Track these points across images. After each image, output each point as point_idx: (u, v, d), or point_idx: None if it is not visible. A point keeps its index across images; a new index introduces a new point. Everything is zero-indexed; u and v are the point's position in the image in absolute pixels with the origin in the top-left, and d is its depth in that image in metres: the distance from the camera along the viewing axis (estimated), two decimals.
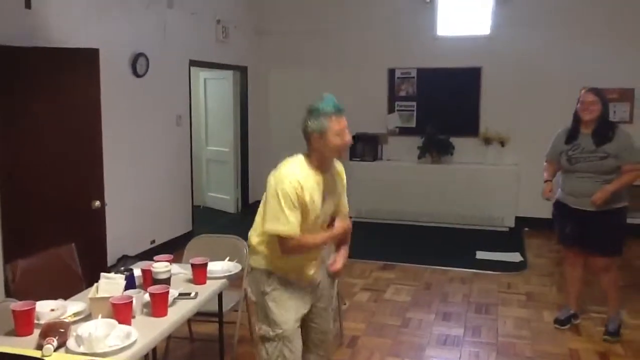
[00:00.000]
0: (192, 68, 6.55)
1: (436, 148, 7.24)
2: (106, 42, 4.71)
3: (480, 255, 6.00)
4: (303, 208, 2.48)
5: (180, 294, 2.70)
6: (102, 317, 2.30)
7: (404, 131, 7.55)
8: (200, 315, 2.98)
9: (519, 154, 7.04)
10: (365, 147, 7.45)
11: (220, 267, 3.10)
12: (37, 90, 3.84)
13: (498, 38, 7.03)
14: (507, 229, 6.98)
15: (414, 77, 7.48)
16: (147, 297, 2.56)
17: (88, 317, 2.43)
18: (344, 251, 2.77)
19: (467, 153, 7.27)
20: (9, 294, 2.92)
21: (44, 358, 2.05)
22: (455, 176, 7.16)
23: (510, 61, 7.00)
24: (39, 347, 2.11)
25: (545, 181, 4.03)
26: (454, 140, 7.23)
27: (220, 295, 3.07)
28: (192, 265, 2.96)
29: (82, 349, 2.12)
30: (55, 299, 2.54)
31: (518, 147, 7.06)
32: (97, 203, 3.97)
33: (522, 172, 6.96)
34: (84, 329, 2.20)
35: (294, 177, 2.47)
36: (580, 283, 4.16)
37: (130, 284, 2.70)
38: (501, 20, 7.02)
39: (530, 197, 6.82)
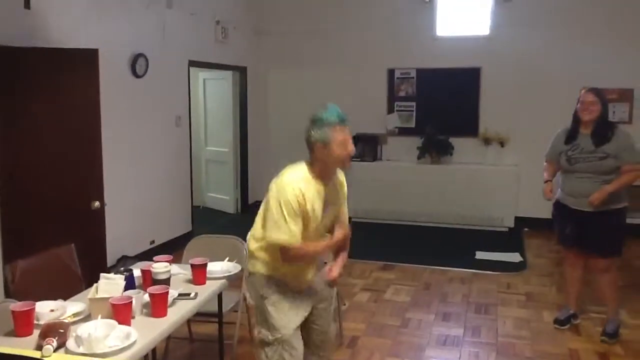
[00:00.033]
0: (191, 68, 6.55)
1: (436, 148, 7.24)
2: (106, 42, 4.71)
3: (480, 255, 6.00)
4: (304, 216, 2.48)
5: (179, 295, 2.70)
6: (102, 317, 2.30)
7: (403, 131, 7.55)
8: (199, 316, 2.98)
9: (519, 154, 7.04)
10: (364, 147, 7.45)
11: (219, 268, 3.10)
12: (36, 90, 3.84)
13: (497, 38, 7.03)
14: (506, 229, 6.98)
15: (413, 78, 7.48)
16: (146, 297, 2.56)
17: (88, 318, 2.43)
18: (341, 259, 2.76)
19: (466, 153, 7.27)
20: (8, 294, 2.92)
21: (44, 358, 2.05)
22: (454, 176, 7.16)
23: (510, 61, 7.00)
24: (39, 347, 2.11)
25: (546, 181, 4.03)
26: (454, 141, 7.24)
27: (219, 296, 3.06)
28: (192, 265, 2.96)
29: (81, 350, 2.12)
30: (55, 299, 2.53)
31: (518, 147, 7.06)
32: (97, 204, 3.96)
33: (522, 173, 6.96)
34: (83, 329, 2.19)
35: (296, 185, 2.46)
36: (580, 283, 4.16)
37: (129, 284, 2.70)
38: (501, 21, 7.03)
39: (530, 198, 6.83)
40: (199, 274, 2.94)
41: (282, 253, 2.50)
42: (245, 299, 2.77)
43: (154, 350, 3.17)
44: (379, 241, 6.60)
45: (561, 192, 3.97)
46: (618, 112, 6.52)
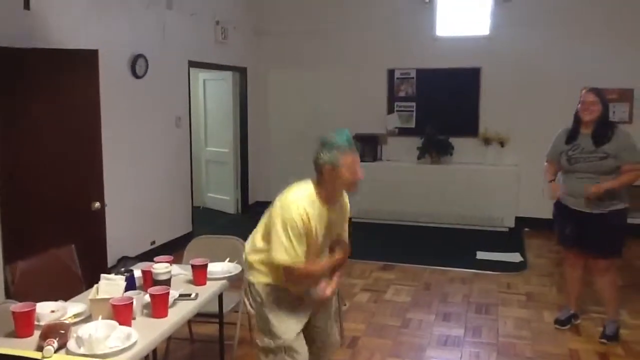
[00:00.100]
0: (191, 69, 6.55)
1: (436, 148, 7.24)
2: (105, 42, 4.71)
3: (481, 255, 6.00)
4: (308, 237, 2.49)
5: (180, 295, 2.70)
6: (103, 318, 2.30)
7: (403, 131, 7.56)
8: (200, 316, 2.98)
9: (519, 154, 7.04)
10: (364, 147, 7.44)
11: (220, 268, 3.10)
12: (36, 91, 3.84)
13: (497, 38, 7.03)
14: (507, 229, 6.98)
15: (413, 78, 7.48)
16: (147, 298, 2.56)
17: (88, 319, 2.43)
18: (336, 278, 2.76)
19: (466, 153, 7.27)
20: (9, 295, 2.92)
21: (44, 359, 2.05)
22: (455, 176, 7.16)
23: (510, 61, 7.00)
24: (39, 348, 2.11)
25: (550, 181, 4.02)
26: (454, 141, 7.24)
27: (220, 296, 3.06)
28: (192, 266, 2.96)
29: (82, 350, 2.12)
30: (56, 300, 2.53)
31: (518, 147, 7.06)
32: (97, 204, 3.96)
33: (522, 173, 6.96)
34: (84, 330, 2.19)
35: (300, 204, 2.47)
36: (581, 284, 4.16)
37: (130, 285, 2.70)
38: (500, 21, 7.03)
39: (530, 198, 6.84)
40: (199, 275, 2.94)
41: (286, 274, 2.52)
42: (245, 306, 2.77)
43: (154, 351, 3.17)
44: (379, 241, 6.60)
45: (562, 192, 3.96)
46: (618, 112, 6.52)
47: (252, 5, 7.86)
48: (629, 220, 3.89)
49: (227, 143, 7.89)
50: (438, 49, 7.27)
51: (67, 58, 3.96)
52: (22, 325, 2.29)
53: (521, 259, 5.89)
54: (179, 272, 3.03)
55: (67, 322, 2.34)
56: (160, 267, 2.80)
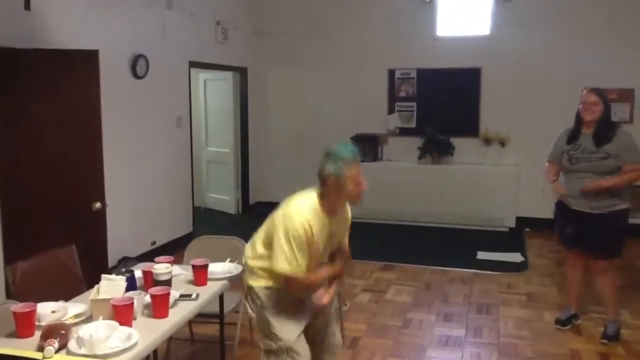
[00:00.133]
0: (191, 69, 6.55)
1: (436, 148, 7.24)
2: (106, 43, 4.71)
3: (481, 255, 6.00)
4: (310, 247, 2.50)
5: (181, 295, 2.70)
6: (103, 318, 2.30)
7: (404, 132, 7.55)
8: (201, 317, 2.97)
9: (519, 154, 7.04)
10: (365, 147, 7.44)
11: (221, 269, 3.10)
12: (37, 91, 3.84)
13: (498, 38, 7.03)
14: (507, 229, 6.98)
15: (413, 78, 7.48)
16: (148, 298, 2.55)
17: (89, 319, 2.43)
18: (334, 287, 2.77)
19: (467, 153, 7.27)
20: (9, 295, 2.92)
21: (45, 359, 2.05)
22: (455, 176, 7.16)
23: (510, 61, 7.00)
24: (40, 349, 2.11)
25: (552, 181, 4.01)
26: (454, 141, 7.23)
27: (221, 297, 3.06)
28: (193, 266, 2.96)
29: (83, 351, 2.12)
30: (56, 300, 2.53)
31: (518, 147, 7.06)
32: (98, 205, 3.96)
33: (523, 173, 6.96)
34: (85, 330, 2.19)
35: (304, 215, 2.48)
36: (581, 284, 4.16)
37: (131, 285, 2.70)
38: (501, 21, 7.03)
39: (531, 198, 6.84)
40: (200, 275, 2.94)
41: (287, 283, 2.54)
42: (246, 309, 2.78)
43: (155, 351, 3.18)
44: (379, 241, 6.60)
45: (560, 194, 3.95)
46: (619, 112, 6.50)
47: (252, 6, 7.86)
48: (630, 220, 3.89)
49: (227, 143, 7.89)
50: (438, 49, 7.27)
51: (68, 58, 3.96)
52: (23, 326, 2.28)
53: (522, 259, 5.89)
54: (180, 273, 3.03)
55: (67, 322, 2.34)
56: (161, 268, 2.80)
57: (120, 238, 4.96)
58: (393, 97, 7.59)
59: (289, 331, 2.60)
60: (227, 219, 7.73)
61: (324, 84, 7.81)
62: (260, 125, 8.11)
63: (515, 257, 5.91)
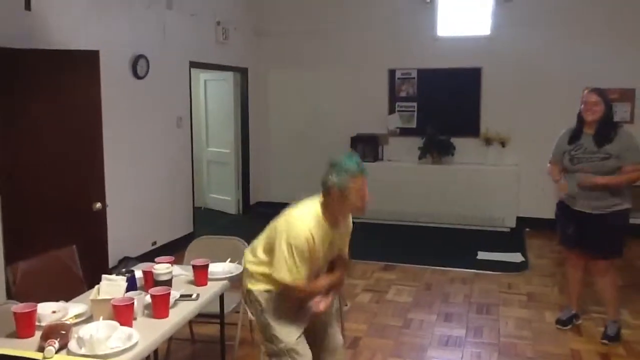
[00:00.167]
0: (192, 69, 6.55)
1: (437, 148, 7.24)
2: (106, 43, 4.72)
3: (482, 255, 5.99)
4: (311, 256, 2.51)
5: (181, 296, 2.70)
6: (104, 319, 2.30)
7: (404, 132, 7.55)
8: (201, 317, 2.97)
9: (520, 154, 7.03)
10: (365, 147, 7.46)
11: (221, 269, 3.10)
12: (37, 91, 3.84)
13: (498, 38, 7.03)
14: (508, 230, 6.98)
15: (414, 78, 7.48)
16: (148, 298, 2.56)
17: (89, 319, 2.43)
18: (331, 296, 2.77)
19: (467, 153, 7.26)
20: (10, 296, 2.92)
21: None
22: (456, 177, 7.15)
23: (511, 61, 7.00)
24: (41, 349, 2.11)
25: (557, 180, 3.99)
26: (455, 141, 7.23)
27: (221, 297, 3.06)
28: (194, 266, 2.96)
29: (83, 351, 2.12)
30: (57, 301, 2.53)
31: (518, 147, 7.05)
32: (99, 205, 3.96)
33: (523, 173, 6.96)
34: (85, 330, 2.19)
35: (307, 227, 2.48)
36: (582, 284, 4.16)
37: (131, 285, 2.70)
38: (501, 21, 7.02)
39: (531, 198, 6.84)
40: (200, 275, 2.94)
41: (287, 290, 2.55)
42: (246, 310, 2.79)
43: (155, 352, 3.18)
44: (380, 241, 6.60)
45: (564, 193, 3.95)
46: (619, 112, 6.48)
47: (253, 6, 7.86)
48: (630, 221, 3.88)
49: (228, 143, 7.89)
50: (439, 49, 7.27)
51: (68, 58, 3.96)
52: (24, 326, 2.28)
53: (522, 259, 5.88)
54: (180, 273, 3.03)
55: (68, 322, 2.34)
56: (162, 268, 2.80)
57: (120, 238, 4.96)
58: (393, 97, 7.58)
59: (289, 333, 2.60)
60: (228, 219, 7.73)
61: (324, 84, 7.81)
62: (261, 126, 8.11)
63: (516, 257, 5.91)
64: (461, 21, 7.26)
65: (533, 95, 6.97)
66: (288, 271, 2.46)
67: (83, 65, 3.94)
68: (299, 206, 2.59)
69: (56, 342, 2.10)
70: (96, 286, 2.58)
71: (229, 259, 3.20)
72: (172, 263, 2.90)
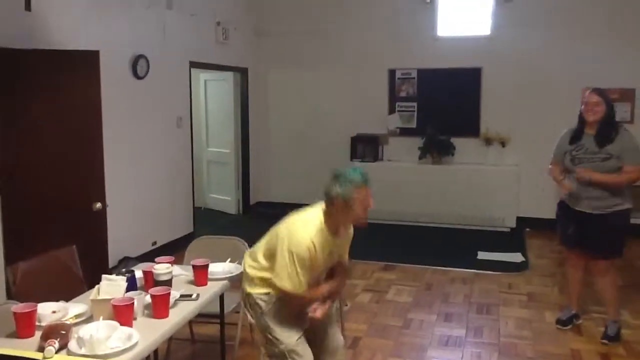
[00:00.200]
0: (192, 69, 6.55)
1: (437, 148, 7.24)
2: (106, 43, 4.72)
3: (482, 255, 5.99)
4: (312, 263, 2.51)
5: (181, 296, 2.70)
6: (104, 319, 2.30)
7: (404, 132, 7.55)
8: (201, 317, 2.97)
9: (520, 155, 7.03)
10: (365, 147, 7.46)
11: (221, 269, 3.10)
12: (37, 91, 3.84)
13: (498, 38, 7.03)
14: (508, 230, 6.98)
15: (414, 78, 7.48)
16: (148, 298, 2.56)
17: (89, 319, 2.43)
18: (329, 303, 2.77)
19: (467, 153, 7.26)
20: (10, 296, 2.92)
21: None
22: (456, 177, 7.15)
23: (511, 61, 7.00)
24: (41, 349, 2.11)
25: (561, 180, 3.97)
26: (455, 141, 7.23)
27: (221, 297, 3.06)
28: (194, 266, 2.96)
29: (83, 351, 2.12)
30: (57, 300, 2.53)
31: (519, 147, 7.05)
32: (99, 205, 3.96)
33: (523, 173, 6.96)
34: (85, 330, 2.19)
35: (309, 236, 2.49)
36: (582, 284, 4.16)
37: (131, 285, 2.70)
38: (501, 21, 7.02)
39: (532, 198, 6.84)
40: (200, 275, 2.94)
41: (287, 296, 2.56)
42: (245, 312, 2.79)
43: (155, 352, 3.18)
44: (380, 241, 6.59)
45: (567, 192, 3.95)
46: (620, 112, 6.42)
47: (253, 6, 7.86)
48: (631, 221, 3.88)
49: (228, 143, 7.89)
50: (439, 49, 7.27)
51: (68, 59, 3.96)
52: (24, 326, 2.28)
53: (522, 259, 5.88)
54: (180, 273, 3.03)
55: (68, 322, 2.34)
56: (162, 268, 2.80)
57: (120, 238, 4.96)
58: (393, 97, 7.58)
59: (289, 334, 2.61)
60: (228, 219, 7.72)
61: (324, 84, 7.81)
62: (261, 126, 8.11)
63: (516, 257, 5.91)
64: (461, 21, 7.26)
65: (533, 96, 6.97)
66: (289, 278, 2.48)
67: (83, 65, 3.94)
68: (301, 213, 2.61)
69: (56, 342, 2.10)
70: (96, 286, 2.58)
71: (229, 259, 3.20)
72: (172, 263, 2.90)
